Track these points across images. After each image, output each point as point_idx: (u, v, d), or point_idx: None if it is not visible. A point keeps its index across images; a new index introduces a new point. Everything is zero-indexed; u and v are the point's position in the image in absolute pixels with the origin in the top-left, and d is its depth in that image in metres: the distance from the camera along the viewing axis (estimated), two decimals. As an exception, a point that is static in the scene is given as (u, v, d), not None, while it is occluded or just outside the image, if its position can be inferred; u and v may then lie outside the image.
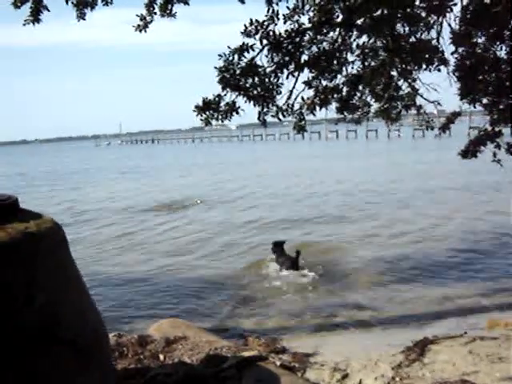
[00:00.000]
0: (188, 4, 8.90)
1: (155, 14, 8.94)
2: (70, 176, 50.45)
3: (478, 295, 10.44)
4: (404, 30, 8.59)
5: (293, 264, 13.04)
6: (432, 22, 8.56)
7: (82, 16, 8.91)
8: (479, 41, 8.24)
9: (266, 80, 8.12)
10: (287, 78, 8.29)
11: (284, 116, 8.55)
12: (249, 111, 8.18)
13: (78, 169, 61.35)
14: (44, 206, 25.65)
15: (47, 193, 35.19)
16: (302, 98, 8.69)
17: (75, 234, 18.69)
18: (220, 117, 7.98)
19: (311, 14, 8.50)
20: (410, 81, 9.02)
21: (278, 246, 13.72)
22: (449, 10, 8.11)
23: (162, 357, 6.10)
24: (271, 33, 7.98)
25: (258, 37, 7.94)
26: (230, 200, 26.71)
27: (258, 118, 8.38)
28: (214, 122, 8.10)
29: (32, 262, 3.36)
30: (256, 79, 8.01)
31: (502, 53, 8.12)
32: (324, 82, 8.84)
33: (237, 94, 7.94)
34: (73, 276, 3.89)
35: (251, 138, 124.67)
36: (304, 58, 8.37)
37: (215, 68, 7.78)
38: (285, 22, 8.28)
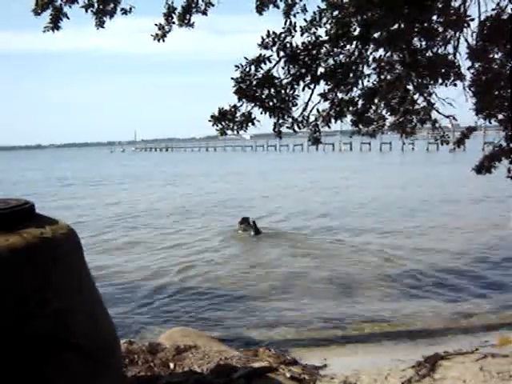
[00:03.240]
0: (206, 14, 8.97)
1: (173, 23, 9.00)
2: (120, 180, 51.07)
3: (489, 312, 10.36)
4: (421, 45, 8.59)
5: (257, 231, 19.86)
6: (449, 36, 8.56)
7: (101, 24, 8.99)
8: (496, 56, 8.23)
9: (282, 91, 8.13)
10: (303, 89, 8.31)
11: (299, 128, 8.57)
12: (263, 122, 8.20)
13: (119, 174, 61.85)
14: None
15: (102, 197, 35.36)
16: (318, 110, 8.72)
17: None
18: (236, 127, 7.99)
19: (328, 26, 8.53)
20: (425, 95, 9.00)
21: (245, 220, 20.67)
22: (466, 25, 8.12)
23: (172, 365, 6.11)
24: (288, 45, 8.01)
25: (274, 48, 7.96)
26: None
27: (274, 130, 8.38)
28: (229, 132, 8.11)
29: (46, 268, 3.38)
30: (272, 90, 8.02)
31: (518, 69, 8.10)
32: (340, 95, 8.87)
33: (253, 104, 7.96)
34: (86, 282, 3.91)
35: (265, 149, 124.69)
36: (320, 70, 8.39)
37: (232, 79, 7.81)
38: (302, 35, 8.31)
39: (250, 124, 7.98)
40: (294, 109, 8.37)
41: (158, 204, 30.41)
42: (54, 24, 8.51)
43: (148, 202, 31.28)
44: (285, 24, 8.14)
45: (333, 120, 8.84)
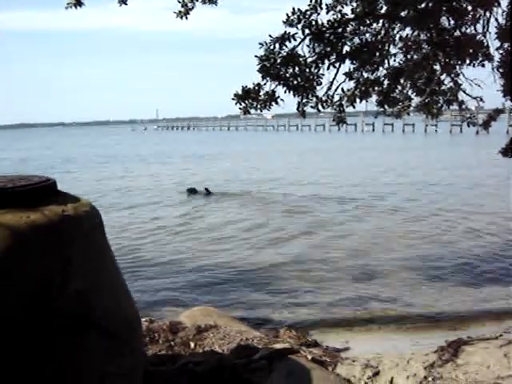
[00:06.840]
0: (230, -9, 8.85)
1: (197, 0, 8.89)
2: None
3: (513, 297, 10.24)
4: (449, 24, 8.43)
5: (208, 193, 25.05)
6: (478, 16, 8.37)
7: (123, 1, 8.91)
8: (526, 37, 8.04)
9: (307, 70, 8.04)
10: (328, 68, 8.22)
11: (324, 107, 8.48)
12: (286, 101, 8.11)
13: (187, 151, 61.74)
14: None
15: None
16: (343, 90, 8.61)
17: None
18: (259, 106, 7.91)
19: (355, 4, 8.42)
20: (452, 75, 8.85)
21: (191, 191, 25.68)
22: (496, 4, 7.94)
23: (192, 344, 6.09)
24: (313, 22, 7.89)
25: (299, 26, 7.86)
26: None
27: (298, 109, 8.30)
28: (252, 110, 8.04)
29: (69, 246, 3.33)
30: (296, 69, 7.93)
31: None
32: (365, 74, 8.76)
33: (277, 83, 7.87)
34: (108, 261, 3.87)
35: (286, 128, 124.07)
36: (346, 48, 8.29)
37: (256, 57, 7.72)
38: (327, 12, 8.19)
39: (273, 103, 7.89)
40: (318, 88, 8.29)
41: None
42: (77, 0, 8.44)
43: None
44: (310, 1, 8.01)
45: (358, 100, 8.74)
